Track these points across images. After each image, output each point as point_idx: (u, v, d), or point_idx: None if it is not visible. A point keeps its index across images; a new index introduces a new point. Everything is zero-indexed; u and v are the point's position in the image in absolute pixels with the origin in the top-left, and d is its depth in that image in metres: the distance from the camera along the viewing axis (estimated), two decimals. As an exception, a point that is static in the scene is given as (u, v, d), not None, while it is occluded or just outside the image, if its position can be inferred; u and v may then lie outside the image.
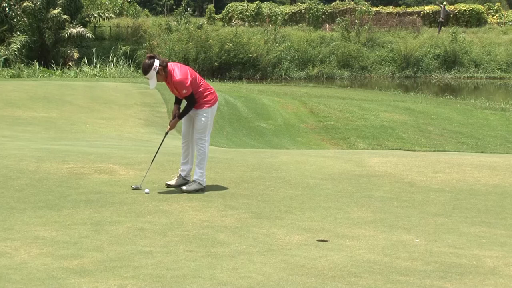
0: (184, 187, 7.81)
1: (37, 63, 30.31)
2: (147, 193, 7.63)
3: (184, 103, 7.99)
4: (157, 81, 7.68)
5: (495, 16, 52.02)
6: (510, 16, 51.79)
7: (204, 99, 7.84)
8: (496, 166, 9.52)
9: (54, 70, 29.79)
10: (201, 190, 7.81)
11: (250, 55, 37.71)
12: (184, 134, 8.05)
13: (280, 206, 7.33)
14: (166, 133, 8.06)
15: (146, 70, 7.56)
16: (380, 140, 17.38)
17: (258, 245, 5.90)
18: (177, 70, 7.74)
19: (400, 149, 13.75)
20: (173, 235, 6.18)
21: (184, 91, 7.69)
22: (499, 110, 22.97)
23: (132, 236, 6.12)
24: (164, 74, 7.65)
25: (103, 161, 9.05)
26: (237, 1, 52.80)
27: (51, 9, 34.39)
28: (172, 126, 7.91)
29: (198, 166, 7.84)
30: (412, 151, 12.60)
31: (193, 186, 7.80)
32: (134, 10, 49.39)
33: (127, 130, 15.68)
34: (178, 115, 7.85)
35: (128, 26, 41.99)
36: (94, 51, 33.19)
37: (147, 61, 7.58)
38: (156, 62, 7.56)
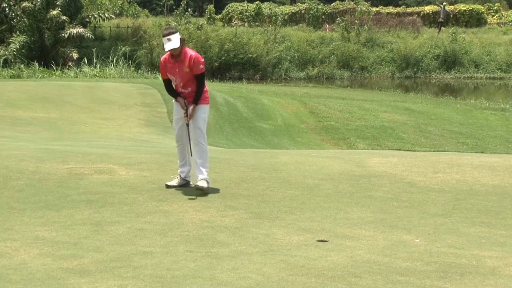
0: (199, 184, 7.70)
1: (37, 64, 30.26)
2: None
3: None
4: (174, 51, 7.59)
5: (495, 16, 52.02)
6: (510, 16, 51.78)
7: (204, 95, 7.88)
8: (496, 166, 9.51)
9: (54, 71, 29.74)
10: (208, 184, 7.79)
11: (250, 55, 37.70)
12: (178, 137, 8.00)
13: (280, 206, 7.33)
14: (187, 124, 7.86)
15: (172, 31, 7.58)
16: (380, 141, 17.37)
17: (258, 245, 5.90)
18: (190, 50, 7.85)
19: (400, 149, 13.74)
20: (173, 235, 6.18)
21: (201, 67, 7.73)
22: (499, 110, 22.96)
23: (132, 236, 6.12)
24: (181, 47, 7.65)
25: (103, 161, 9.05)
26: (237, 1, 52.78)
27: (51, 10, 34.37)
28: (191, 115, 7.80)
29: (203, 166, 7.78)
30: (412, 151, 12.58)
31: (206, 184, 7.75)
32: (134, 11, 49.38)
33: (127, 130, 15.66)
34: (193, 101, 7.80)
35: (128, 27, 41.95)
36: (94, 51, 33.14)
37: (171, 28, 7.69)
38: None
